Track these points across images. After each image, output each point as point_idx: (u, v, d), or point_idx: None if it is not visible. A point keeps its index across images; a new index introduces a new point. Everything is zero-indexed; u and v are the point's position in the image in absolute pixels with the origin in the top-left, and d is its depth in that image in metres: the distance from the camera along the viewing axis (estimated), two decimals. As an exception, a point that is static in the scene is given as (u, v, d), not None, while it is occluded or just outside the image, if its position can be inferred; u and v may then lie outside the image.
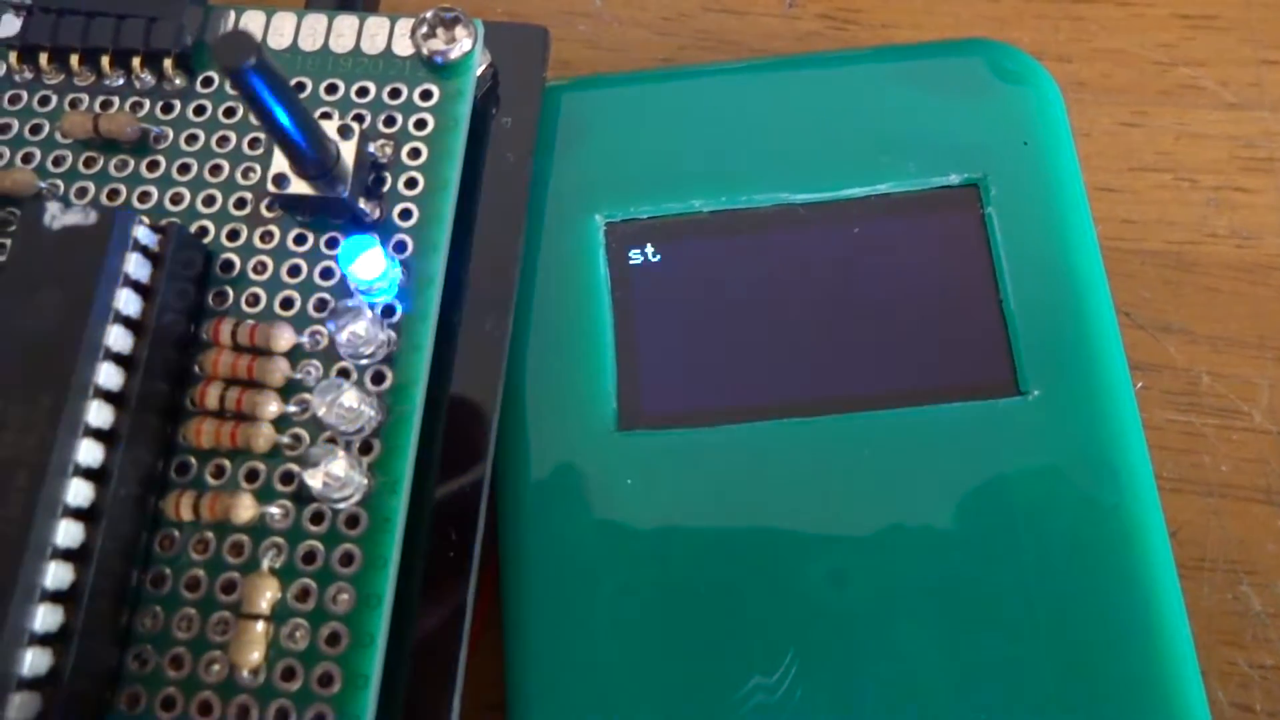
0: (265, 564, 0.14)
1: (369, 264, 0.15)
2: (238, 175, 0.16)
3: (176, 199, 0.16)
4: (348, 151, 0.15)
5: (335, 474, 0.14)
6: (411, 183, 0.16)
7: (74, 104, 0.17)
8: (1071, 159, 0.18)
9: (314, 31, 0.17)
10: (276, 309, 0.15)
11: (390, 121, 0.16)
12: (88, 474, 0.14)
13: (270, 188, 0.15)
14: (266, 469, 0.15)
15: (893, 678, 0.15)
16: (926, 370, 0.17)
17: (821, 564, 0.15)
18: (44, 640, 0.13)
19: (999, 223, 0.17)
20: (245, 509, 0.14)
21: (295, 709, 0.14)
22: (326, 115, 0.16)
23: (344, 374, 0.15)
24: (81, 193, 0.16)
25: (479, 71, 0.17)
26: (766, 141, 0.18)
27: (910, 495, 0.16)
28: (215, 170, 0.16)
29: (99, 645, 0.14)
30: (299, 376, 0.15)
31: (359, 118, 0.16)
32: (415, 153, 0.16)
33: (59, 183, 0.16)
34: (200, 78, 0.17)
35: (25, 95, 0.17)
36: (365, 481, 0.14)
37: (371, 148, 0.16)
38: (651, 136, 0.18)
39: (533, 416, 0.16)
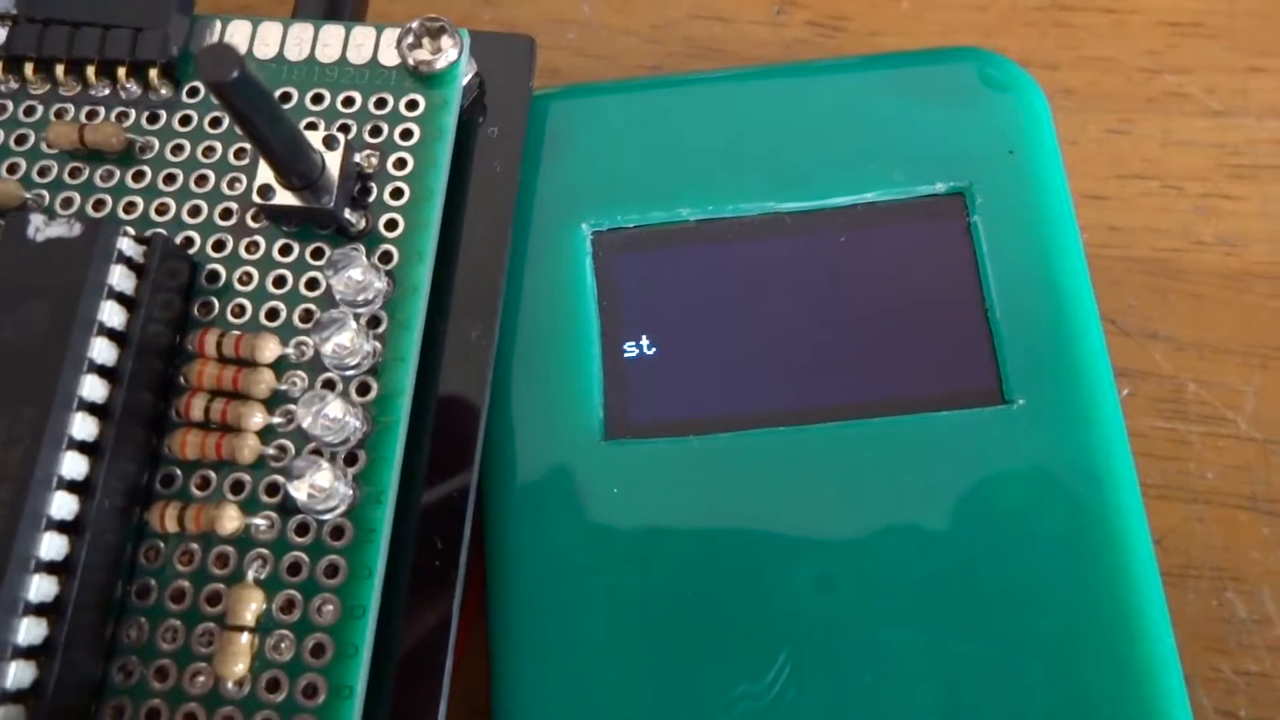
0: (250, 575, 0.14)
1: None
2: (223, 186, 0.16)
3: (162, 209, 0.16)
4: (333, 162, 0.15)
5: (320, 485, 0.14)
6: (397, 193, 0.16)
7: (59, 114, 0.17)
8: (1058, 167, 0.18)
9: (300, 41, 0.17)
10: (262, 320, 0.15)
11: (376, 131, 0.16)
12: (72, 486, 0.14)
13: (256, 198, 0.15)
14: (251, 480, 0.15)
15: (879, 685, 0.15)
16: (912, 378, 0.17)
17: (808, 574, 0.15)
18: (28, 653, 0.13)
19: (985, 231, 0.17)
20: (230, 520, 0.14)
21: (280, 720, 0.14)
22: (312, 125, 0.16)
23: (329, 385, 0.15)
24: (67, 203, 0.16)
25: (465, 81, 0.17)
26: (753, 150, 0.18)
27: (896, 504, 0.16)
28: (201, 181, 0.16)
29: (83, 657, 0.14)
30: (284, 388, 0.15)
31: (345, 128, 0.16)
32: (401, 163, 0.16)
33: (44, 193, 0.16)
34: (186, 88, 0.17)
35: (10, 105, 0.17)
36: (350, 493, 0.14)
37: (357, 158, 0.16)
38: (638, 145, 0.18)
39: (519, 426, 0.16)
